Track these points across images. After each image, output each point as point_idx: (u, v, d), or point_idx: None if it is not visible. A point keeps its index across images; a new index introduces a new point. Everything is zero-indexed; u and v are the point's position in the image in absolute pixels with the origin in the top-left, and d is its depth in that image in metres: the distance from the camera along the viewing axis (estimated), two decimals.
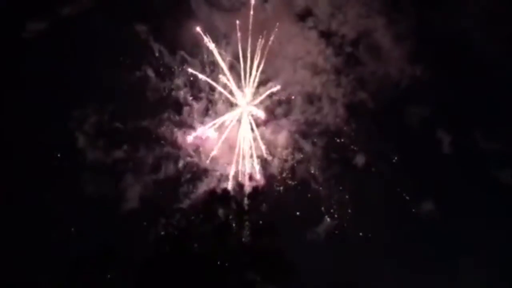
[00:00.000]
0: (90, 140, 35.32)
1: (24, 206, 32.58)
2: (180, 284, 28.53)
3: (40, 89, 35.62)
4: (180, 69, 36.81)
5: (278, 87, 37.61)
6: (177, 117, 36.98)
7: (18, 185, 33.22)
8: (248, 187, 32.57)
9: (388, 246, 37.61)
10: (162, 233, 30.37)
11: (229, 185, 34.72)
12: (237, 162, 35.92)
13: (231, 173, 35.46)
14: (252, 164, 35.61)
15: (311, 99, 39.38)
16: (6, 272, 27.72)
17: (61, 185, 33.80)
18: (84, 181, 33.73)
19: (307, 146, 38.02)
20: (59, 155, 34.75)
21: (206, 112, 37.36)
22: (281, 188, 35.36)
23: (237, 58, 37.61)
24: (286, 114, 38.91)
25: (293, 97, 38.76)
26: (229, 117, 37.11)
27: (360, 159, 39.39)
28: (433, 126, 41.27)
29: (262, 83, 38.15)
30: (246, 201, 31.09)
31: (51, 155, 34.61)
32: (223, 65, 36.92)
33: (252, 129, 37.19)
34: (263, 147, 36.07)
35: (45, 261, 29.96)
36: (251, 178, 32.84)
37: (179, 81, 37.23)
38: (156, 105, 37.08)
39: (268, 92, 37.50)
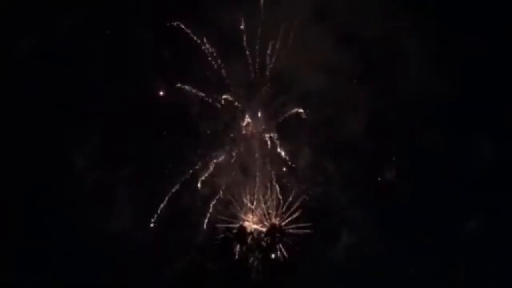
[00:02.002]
0: (92, 164, 33.99)
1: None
2: None
3: (36, 108, 34.17)
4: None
5: (298, 110, 35.30)
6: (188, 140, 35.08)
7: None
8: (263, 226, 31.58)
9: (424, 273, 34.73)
10: (177, 268, 29.86)
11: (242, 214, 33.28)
12: (250, 193, 34.19)
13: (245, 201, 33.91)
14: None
15: (329, 111, 36.69)
16: None
17: (62, 217, 32.80)
18: (88, 212, 32.75)
19: (329, 165, 35.90)
20: (58, 181, 33.36)
21: (226, 133, 35.62)
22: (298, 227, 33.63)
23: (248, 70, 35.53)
24: (302, 128, 35.80)
25: (306, 112, 36.04)
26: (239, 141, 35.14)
27: (388, 175, 36.91)
28: (466, 135, 38.07)
29: (273, 97, 35.80)
30: (264, 237, 30.38)
31: (49, 180, 33.39)
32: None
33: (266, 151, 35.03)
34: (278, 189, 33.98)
35: None
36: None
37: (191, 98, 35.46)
38: (166, 126, 35.36)
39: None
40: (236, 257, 29.98)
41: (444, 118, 38.16)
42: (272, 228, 31.03)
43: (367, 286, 32.41)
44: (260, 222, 32.42)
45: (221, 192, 33.01)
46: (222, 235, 30.70)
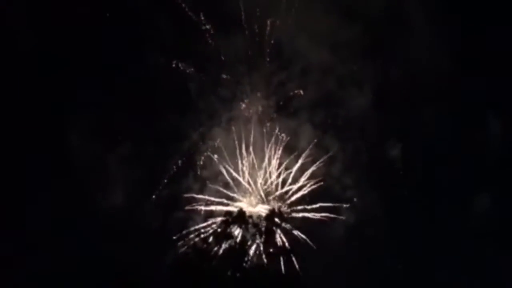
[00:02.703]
0: (88, 142, 33.25)
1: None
2: None
3: (33, 82, 33.37)
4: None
5: (298, 88, 34.09)
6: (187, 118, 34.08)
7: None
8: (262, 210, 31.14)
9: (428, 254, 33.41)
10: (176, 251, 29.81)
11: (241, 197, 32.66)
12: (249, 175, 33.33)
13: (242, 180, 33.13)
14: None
15: (330, 87, 34.80)
16: None
17: (57, 197, 31.79)
18: (95, 198, 32.32)
19: (332, 143, 34.71)
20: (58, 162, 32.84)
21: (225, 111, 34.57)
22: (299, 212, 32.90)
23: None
24: (303, 106, 34.43)
25: (307, 88, 34.47)
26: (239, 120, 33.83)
27: (394, 152, 35.17)
28: (471, 111, 35.61)
29: (273, 74, 34.15)
30: (263, 222, 30.03)
31: (44, 157, 32.78)
32: None
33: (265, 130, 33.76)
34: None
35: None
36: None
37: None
38: (165, 104, 34.45)
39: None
40: (235, 240, 29.75)
41: (449, 93, 36.77)
42: (272, 213, 30.62)
43: (366, 269, 32.00)
44: (260, 204, 32.05)
45: (219, 174, 32.60)
46: (222, 219, 30.45)
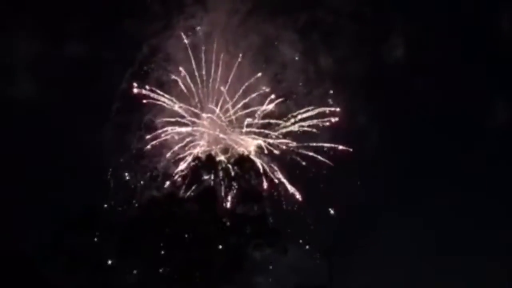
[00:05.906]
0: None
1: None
2: (165, 248, 29.00)
3: None
4: None
5: None
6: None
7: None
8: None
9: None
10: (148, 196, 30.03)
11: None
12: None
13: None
14: None
15: None
16: None
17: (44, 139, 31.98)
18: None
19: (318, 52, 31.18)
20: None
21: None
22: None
23: None
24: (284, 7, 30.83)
25: None
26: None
27: (397, 52, 32.05)
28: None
29: None
30: (232, 167, 30.54)
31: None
32: None
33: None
34: None
35: (28, 224, 29.48)
36: None
37: None
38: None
39: None
40: (206, 185, 30.22)
41: None
42: (241, 157, 31.23)
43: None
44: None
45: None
46: (192, 163, 30.87)
